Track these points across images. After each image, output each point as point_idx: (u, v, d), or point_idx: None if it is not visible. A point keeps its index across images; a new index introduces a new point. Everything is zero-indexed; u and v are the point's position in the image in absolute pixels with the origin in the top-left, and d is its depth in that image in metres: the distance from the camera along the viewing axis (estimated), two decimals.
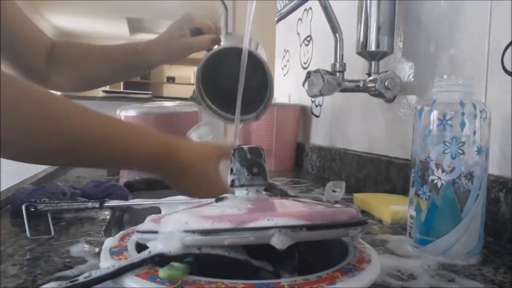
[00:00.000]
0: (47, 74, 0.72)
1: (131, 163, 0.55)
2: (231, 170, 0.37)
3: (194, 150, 0.57)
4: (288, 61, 1.39)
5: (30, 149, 0.44)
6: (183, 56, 0.76)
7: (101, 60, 0.76)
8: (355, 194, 0.69)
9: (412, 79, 0.73)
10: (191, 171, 0.55)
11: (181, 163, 0.54)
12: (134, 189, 0.76)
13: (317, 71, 0.76)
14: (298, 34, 1.30)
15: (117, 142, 0.50)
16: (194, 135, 0.74)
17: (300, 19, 1.28)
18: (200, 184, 0.55)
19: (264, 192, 0.39)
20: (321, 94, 0.77)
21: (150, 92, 3.14)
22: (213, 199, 0.37)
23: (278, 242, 0.27)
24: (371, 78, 0.77)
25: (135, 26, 5.76)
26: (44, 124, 0.43)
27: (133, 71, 0.80)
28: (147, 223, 0.33)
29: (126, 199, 0.67)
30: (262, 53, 0.69)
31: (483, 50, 0.57)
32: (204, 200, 0.43)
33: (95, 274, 0.27)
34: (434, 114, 0.43)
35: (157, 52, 0.74)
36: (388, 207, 0.58)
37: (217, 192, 0.52)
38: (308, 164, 1.15)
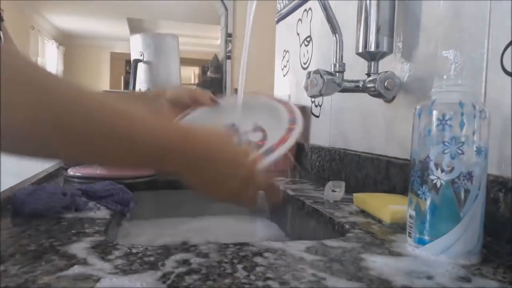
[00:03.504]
0: None
1: (142, 156, 0.43)
2: None
3: (210, 132, 0.48)
4: (288, 61, 1.39)
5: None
6: None
7: None
8: (354, 194, 0.69)
9: (412, 79, 0.74)
10: (213, 155, 0.46)
11: (201, 149, 0.45)
12: (134, 189, 0.76)
13: (317, 71, 0.76)
14: (298, 34, 1.30)
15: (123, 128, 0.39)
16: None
17: (300, 19, 1.28)
18: (226, 169, 0.47)
19: None
20: (321, 95, 0.77)
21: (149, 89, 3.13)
22: None
23: None
24: (370, 78, 0.77)
25: (135, 26, 5.77)
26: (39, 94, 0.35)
27: None
28: None
29: (128, 203, 0.67)
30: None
31: (482, 50, 0.57)
32: None
33: None
34: (434, 114, 0.43)
35: None
36: (387, 207, 0.58)
37: (245, 174, 0.47)
38: (308, 164, 1.15)
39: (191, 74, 7.02)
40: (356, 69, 0.85)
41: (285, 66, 1.42)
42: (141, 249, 0.43)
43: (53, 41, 6.08)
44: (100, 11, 5.22)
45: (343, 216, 0.62)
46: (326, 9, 0.78)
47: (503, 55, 0.53)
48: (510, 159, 0.52)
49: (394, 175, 0.74)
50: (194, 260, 0.40)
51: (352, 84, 0.79)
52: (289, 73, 1.38)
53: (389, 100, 0.79)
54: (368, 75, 0.77)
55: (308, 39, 1.21)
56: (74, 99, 0.37)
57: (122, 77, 6.63)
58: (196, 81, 6.47)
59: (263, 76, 1.72)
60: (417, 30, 0.72)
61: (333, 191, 0.74)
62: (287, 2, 1.39)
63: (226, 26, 3.03)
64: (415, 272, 0.39)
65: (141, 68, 1.59)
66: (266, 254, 0.43)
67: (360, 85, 0.78)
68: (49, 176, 0.92)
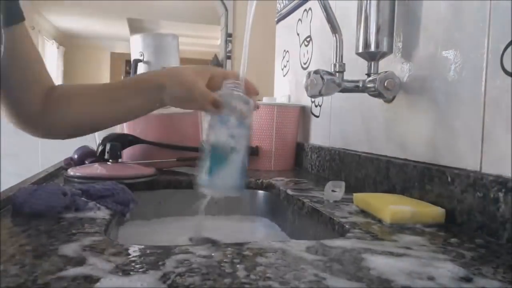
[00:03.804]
0: (41, 116, 0.67)
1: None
2: None
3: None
4: (288, 61, 1.39)
5: None
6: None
7: (100, 96, 0.68)
8: (354, 194, 0.69)
9: (412, 79, 0.73)
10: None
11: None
12: (134, 188, 0.76)
13: (317, 71, 0.76)
14: (298, 34, 1.30)
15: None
16: None
17: (300, 19, 1.28)
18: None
19: None
20: (321, 95, 0.77)
21: None
22: None
23: None
24: (370, 78, 0.77)
25: (135, 26, 5.77)
26: None
27: (145, 108, 0.70)
28: None
29: (128, 203, 0.67)
30: None
31: (482, 50, 0.57)
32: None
33: None
34: None
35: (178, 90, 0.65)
36: (387, 206, 0.58)
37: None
38: (308, 164, 1.16)
39: None
40: (356, 69, 0.85)
41: (285, 66, 1.42)
42: (141, 249, 0.43)
43: (53, 41, 6.08)
44: (100, 11, 5.22)
45: (343, 216, 0.62)
46: (326, 9, 0.78)
47: (503, 55, 0.53)
48: (510, 159, 0.52)
49: (394, 175, 0.74)
50: (195, 260, 0.40)
51: (352, 84, 0.79)
52: (289, 73, 1.38)
53: (389, 100, 0.79)
54: (368, 75, 0.77)
55: (308, 39, 1.21)
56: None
57: (122, 77, 6.64)
58: None
59: (263, 76, 1.72)
60: (417, 30, 0.72)
61: (333, 191, 0.75)
62: (287, 2, 1.39)
63: (226, 26, 3.03)
64: (415, 272, 0.39)
65: (141, 68, 1.59)
66: (266, 254, 0.43)
67: (360, 85, 0.78)
68: (49, 176, 0.92)
